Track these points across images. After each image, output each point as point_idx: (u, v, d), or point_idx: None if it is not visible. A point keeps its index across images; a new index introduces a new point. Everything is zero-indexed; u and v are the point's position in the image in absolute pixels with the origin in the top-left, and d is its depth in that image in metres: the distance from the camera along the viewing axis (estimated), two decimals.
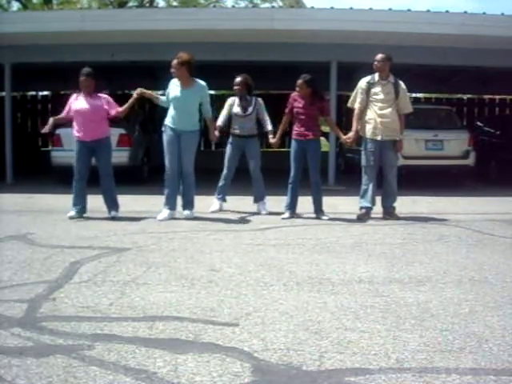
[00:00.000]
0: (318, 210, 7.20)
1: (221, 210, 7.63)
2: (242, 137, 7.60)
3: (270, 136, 7.59)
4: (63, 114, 7.08)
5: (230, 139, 7.71)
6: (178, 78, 6.91)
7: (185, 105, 6.90)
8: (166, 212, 6.97)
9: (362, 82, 7.16)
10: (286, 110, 7.27)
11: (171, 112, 6.98)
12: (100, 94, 7.01)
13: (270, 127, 7.62)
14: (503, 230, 6.41)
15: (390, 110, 7.04)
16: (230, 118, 7.67)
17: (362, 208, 7.16)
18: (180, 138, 6.94)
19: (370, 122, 7.09)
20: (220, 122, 7.63)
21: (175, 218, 6.96)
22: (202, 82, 6.98)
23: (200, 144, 7.62)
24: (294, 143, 7.22)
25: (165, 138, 7.05)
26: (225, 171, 7.70)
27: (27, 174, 12.47)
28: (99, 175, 7.00)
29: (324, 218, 7.10)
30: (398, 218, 7.06)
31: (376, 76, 7.11)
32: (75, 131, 6.94)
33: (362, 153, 7.26)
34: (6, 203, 8.45)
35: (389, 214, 7.16)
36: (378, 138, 7.05)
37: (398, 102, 7.09)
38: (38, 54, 10.98)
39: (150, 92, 7.11)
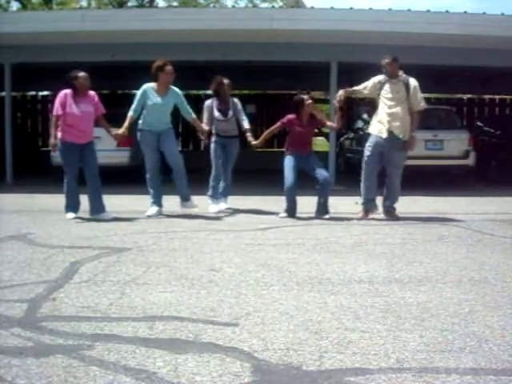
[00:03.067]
0: (323, 210, 7.20)
1: (220, 210, 7.61)
2: (225, 137, 7.71)
3: (249, 134, 7.63)
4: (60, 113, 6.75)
5: (215, 138, 7.73)
6: (167, 82, 7.06)
7: (163, 110, 7.14)
8: (154, 209, 7.17)
9: (375, 78, 7.16)
10: (279, 123, 7.34)
11: (147, 117, 7.12)
12: (90, 93, 6.92)
13: (247, 125, 7.68)
14: (503, 230, 6.41)
15: (399, 108, 6.99)
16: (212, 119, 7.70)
17: (359, 203, 7.17)
18: (159, 137, 7.12)
19: (380, 121, 7.07)
20: (207, 126, 7.58)
21: (175, 217, 6.98)
22: (176, 88, 7.21)
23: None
24: (289, 157, 7.24)
25: (143, 140, 7.19)
26: (214, 171, 7.71)
27: (27, 173, 12.48)
28: (86, 176, 6.96)
29: (325, 216, 7.11)
30: (398, 219, 7.06)
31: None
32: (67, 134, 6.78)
33: (365, 147, 7.25)
34: (6, 203, 8.45)
35: (389, 213, 7.16)
36: (384, 136, 7.03)
37: (410, 100, 7.05)
38: (38, 53, 10.98)
39: (124, 129, 7.12)
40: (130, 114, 7.15)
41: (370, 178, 7.12)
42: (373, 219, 7.03)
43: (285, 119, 7.30)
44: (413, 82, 7.05)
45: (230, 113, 7.64)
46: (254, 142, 7.56)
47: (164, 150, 7.17)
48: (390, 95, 7.02)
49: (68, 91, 6.77)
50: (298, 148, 7.23)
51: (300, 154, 7.21)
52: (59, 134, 6.85)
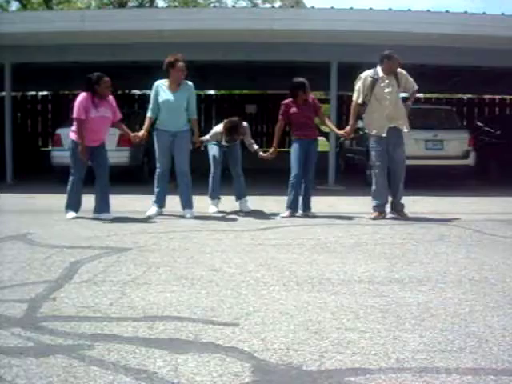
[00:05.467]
0: (307, 207, 7.34)
1: (218, 210, 7.63)
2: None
3: (261, 152, 7.77)
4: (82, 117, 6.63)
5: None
6: (178, 79, 6.93)
7: (177, 106, 6.97)
8: (154, 209, 7.14)
9: (365, 76, 7.05)
10: (280, 117, 7.34)
11: (163, 115, 7.01)
12: (109, 98, 6.87)
13: (256, 146, 7.75)
14: (503, 230, 6.40)
15: (397, 103, 6.98)
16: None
17: (375, 207, 7.14)
18: (174, 139, 7.00)
19: (376, 119, 7.05)
20: (205, 138, 7.68)
21: (175, 217, 6.98)
22: (189, 82, 7.06)
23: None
24: (296, 144, 7.25)
25: (157, 140, 7.10)
26: (213, 171, 7.69)
27: (27, 173, 12.48)
28: (96, 176, 6.95)
29: (310, 214, 7.27)
30: (403, 216, 7.07)
31: (379, 72, 7.02)
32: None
33: (370, 151, 7.27)
34: (6, 203, 8.45)
35: (398, 211, 7.13)
36: (384, 135, 7.02)
37: (405, 85, 7.03)
38: (38, 54, 10.99)
39: (144, 131, 7.13)
40: (148, 115, 7.10)
41: (383, 184, 7.13)
42: (373, 219, 7.02)
43: (282, 107, 7.31)
44: (399, 70, 7.03)
45: (238, 141, 7.69)
46: (269, 154, 7.60)
47: (174, 156, 7.08)
48: (386, 91, 6.97)
49: (88, 95, 6.64)
50: (303, 132, 7.22)
51: (305, 138, 7.22)
52: (72, 135, 6.80)
